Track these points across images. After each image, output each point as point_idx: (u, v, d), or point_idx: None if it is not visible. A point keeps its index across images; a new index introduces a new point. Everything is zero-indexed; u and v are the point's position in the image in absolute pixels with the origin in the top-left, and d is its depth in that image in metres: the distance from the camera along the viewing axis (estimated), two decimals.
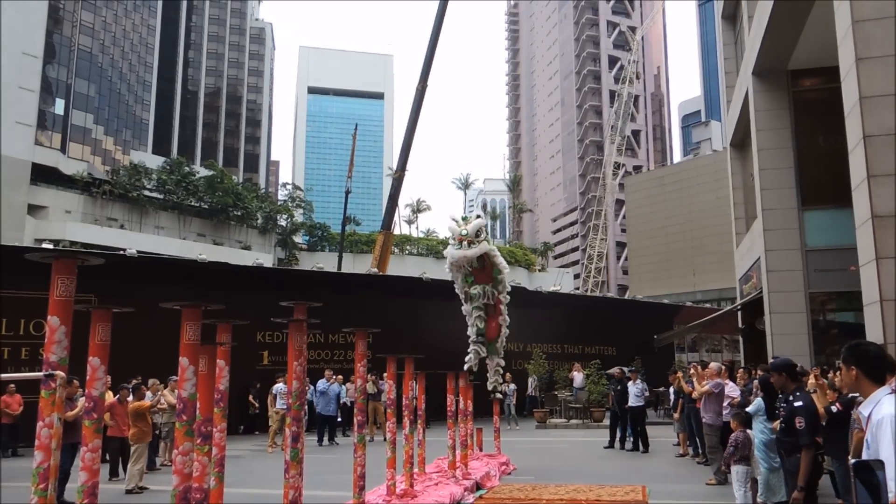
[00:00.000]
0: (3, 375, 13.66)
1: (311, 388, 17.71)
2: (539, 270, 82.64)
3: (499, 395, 13.47)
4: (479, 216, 11.81)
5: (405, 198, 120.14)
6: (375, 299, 20.83)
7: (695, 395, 12.08)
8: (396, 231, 62.03)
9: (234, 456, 12.99)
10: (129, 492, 10.72)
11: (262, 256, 51.90)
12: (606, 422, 17.76)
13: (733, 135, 22.32)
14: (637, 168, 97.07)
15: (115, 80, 72.36)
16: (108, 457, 12.01)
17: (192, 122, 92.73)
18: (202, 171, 70.42)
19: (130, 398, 11.68)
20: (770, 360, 10.23)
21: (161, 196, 65.79)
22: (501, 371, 13.08)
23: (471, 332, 11.84)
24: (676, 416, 14.56)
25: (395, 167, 43.36)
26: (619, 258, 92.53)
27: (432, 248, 75.47)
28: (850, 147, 10.03)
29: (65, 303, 3.76)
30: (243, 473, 12.09)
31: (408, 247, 76.13)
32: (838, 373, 6.39)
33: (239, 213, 70.22)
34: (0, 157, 52.27)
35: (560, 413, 22.23)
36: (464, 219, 11.36)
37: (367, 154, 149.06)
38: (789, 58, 16.44)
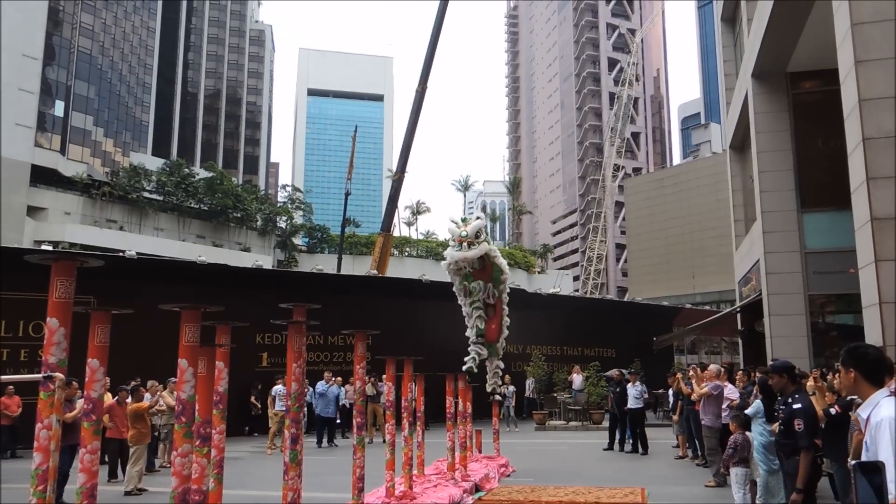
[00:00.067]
0: (2, 377, 13.67)
1: (311, 389, 17.70)
2: (538, 272, 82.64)
3: (498, 398, 13.46)
4: (478, 217, 11.80)
5: (405, 199, 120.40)
6: (375, 301, 20.82)
7: (694, 396, 12.08)
8: (396, 233, 62.04)
9: (233, 458, 12.98)
10: (128, 493, 10.71)
11: (262, 258, 51.96)
12: (606, 424, 17.75)
13: (733, 137, 22.33)
14: (637, 170, 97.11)
15: (114, 82, 72.41)
16: (107, 458, 12.02)
17: (191, 123, 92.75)
18: (202, 173, 70.44)
19: (129, 400, 11.68)
20: (769, 363, 10.23)
21: (161, 198, 65.79)
22: (501, 373, 13.08)
23: (470, 333, 11.82)
24: (675, 418, 14.56)
25: (394, 169, 43.38)
26: (618, 260, 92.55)
27: (432, 249, 75.47)
28: (850, 149, 10.04)
29: (64, 304, 3.77)
30: (242, 475, 12.08)
31: (407, 248, 76.13)
32: (837, 375, 6.39)
33: (238, 215, 70.22)
34: (0, 158, 52.29)
35: (559, 415, 22.22)
36: (463, 220, 11.36)
37: (366, 156, 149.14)
38: (789, 60, 16.45)
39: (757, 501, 7.68)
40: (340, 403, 18.31)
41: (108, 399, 11.23)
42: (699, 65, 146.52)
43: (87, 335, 4.14)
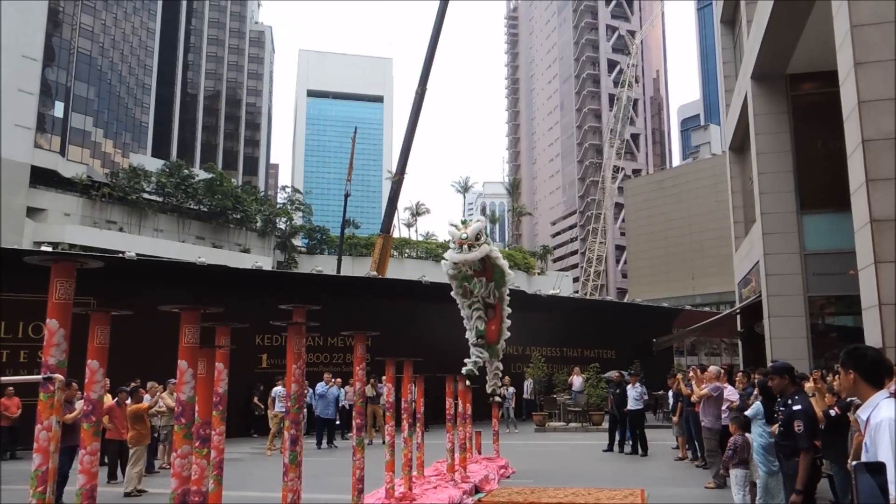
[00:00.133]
0: (1, 378, 13.65)
1: (310, 391, 17.71)
2: (538, 274, 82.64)
3: (498, 399, 13.46)
4: (478, 220, 11.80)
5: (404, 201, 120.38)
6: (374, 302, 20.82)
7: (694, 398, 12.08)
8: (396, 234, 62.04)
9: (232, 459, 12.98)
10: (127, 495, 10.71)
11: (262, 259, 51.99)
12: (605, 425, 17.75)
13: (732, 138, 22.34)
14: (636, 171, 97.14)
15: (114, 83, 72.41)
16: (106, 460, 12.02)
17: (191, 125, 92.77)
18: (201, 174, 70.44)
19: (129, 401, 11.67)
20: (769, 364, 10.23)
21: (160, 199, 65.78)
22: (500, 374, 13.07)
23: (470, 335, 11.81)
24: (675, 419, 14.55)
25: (394, 170, 43.38)
26: (618, 261, 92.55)
27: (431, 251, 75.48)
28: (849, 151, 10.05)
29: (64, 306, 3.77)
30: (242, 476, 12.07)
31: (407, 250, 76.13)
32: (837, 377, 6.40)
33: (238, 216, 70.22)
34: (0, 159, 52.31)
35: (559, 416, 22.22)
36: (463, 222, 11.36)
37: (366, 157, 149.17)
38: (788, 62, 16.46)
39: (756, 503, 7.68)
40: (340, 405, 18.31)
41: (108, 400, 11.22)
42: (699, 66, 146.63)
43: (87, 336, 4.14)
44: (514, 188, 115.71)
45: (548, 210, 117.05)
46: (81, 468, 4.08)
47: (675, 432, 14.89)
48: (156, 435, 13.15)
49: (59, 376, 3.66)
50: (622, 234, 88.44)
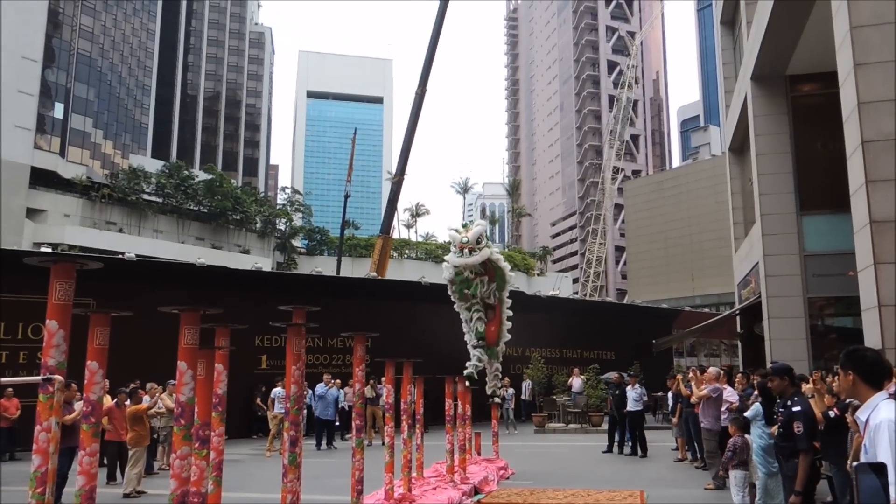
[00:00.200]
0: (1, 379, 13.65)
1: (310, 392, 17.70)
2: (538, 275, 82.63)
3: (497, 400, 13.45)
4: (479, 224, 11.78)
5: (404, 202, 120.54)
6: (374, 303, 20.83)
7: (693, 399, 12.08)
8: (395, 235, 62.04)
9: (232, 460, 12.97)
10: (126, 496, 10.70)
11: (261, 260, 51.99)
12: (605, 426, 17.75)
13: (732, 140, 22.34)
14: (636, 173, 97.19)
15: (114, 84, 72.41)
16: (105, 461, 12.01)
17: (191, 126, 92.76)
18: (201, 175, 70.43)
19: (128, 402, 11.67)
20: (769, 365, 10.23)
21: (160, 200, 65.77)
22: (500, 375, 13.06)
23: (468, 338, 11.78)
24: (675, 420, 14.55)
25: (394, 171, 43.40)
26: (618, 262, 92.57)
27: (431, 252, 75.51)
28: (849, 152, 10.05)
29: (63, 307, 3.77)
30: (241, 478, 12.06)
31: (407, 251, 76.13)
32: (836, 378, 6.40)
33: (238, 217, 70.22)
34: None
35: (558, 417, 22.22)
36: (464, 226, 11.35)
37: (366, 158, 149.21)
38: (788, 63, 16.47)
39: None
40: (340, 406, 18.30)
41: (107, 401, 11.22)
42: (698, 67, 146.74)
43: (87, 337, 4.14)
44: (513, 189, 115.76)
45: (547, 211, 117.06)
46: (81, 469, 4.08)
47: (675, 433, 14.89)
48: (155, 436, 13.15)
49: (58, 377, 3.66)
50: (622, 235, 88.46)
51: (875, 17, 9.67)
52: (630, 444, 15.45)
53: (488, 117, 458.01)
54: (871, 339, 9.22)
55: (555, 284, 65.88)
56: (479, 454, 13.38)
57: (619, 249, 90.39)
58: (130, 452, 11.18)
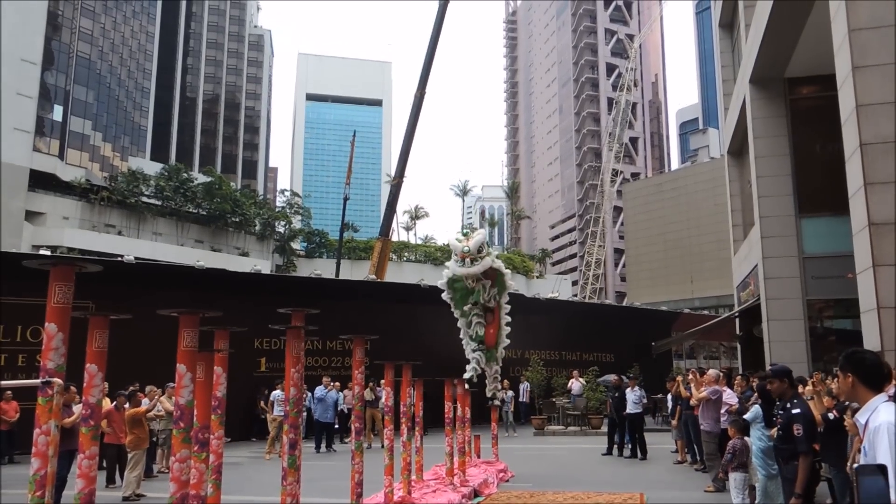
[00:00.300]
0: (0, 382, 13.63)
1: (309, 394, 17.69)
2: (537, 277, 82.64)
3: (497, 402, 13.45)
4: (480, 232, 11.77)
5: (403, 204, 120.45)
6: (373, 306, 20.82)
7: (693, 401, 12.08)
8: (394, 237, 62.04)
9: (231, 463, 12.95)
10: (125, 499, 10.69)
11: (260, 263, 51.90)
12: (604, 429, 17.75)
13: (731, 142, 22.36)
14: (635, 175, 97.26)
15: (113, 87, 72.42)
16: (104, 464, 11.99)
17: (190, 128, 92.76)
18: (200, 178, 70.43)
19: (127, 405, 11.66)
20: (768, 367, 10.23)
21: (159, 202, 65.74)
22: (499, 378, 13.05)
23: (466, 342, 11.76)
24: (674, 423, 14.55)
25: (393, 174, 43.43)
26: (617, 265, 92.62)
27: (430, 254, 75.53)
28: (847, 155, 10.06)
29: (62, 310, 3.77)
30: (241, 481, 12.06)
31: (406, 253, 76.13)
32: (836, 380, 6.40)
33: (237, 220, 70.20)
34: None
35: (558, 420, 22.20)
36: (465, 234, 11.33)
37: (365, 161, 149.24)
38: (786, 65, 16.50)
39: None
40: (339, 408, 18.29)
41: (107, 404, 11.21)
42: (697, 70, 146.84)
43: (86, 340, 4.13)
44: (512, 192, 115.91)
45: (547, 213, 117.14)
46: (80, 472, 4.07)
47: (675, 436, 14.89)
48: (154, 439, 13.13)
49: (57, 380, 3.66)
50: (621, 237, 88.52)
51: (874, 19, 9.68)
52: (630, 446, 15.45)
53: (487, 120, 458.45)
54: (871, 341, 9.22)
55: (554, 287, 65.90)
56: (478, 457, 13.38)
57: (619, 252, 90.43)
58: (129, 455, 11.17)
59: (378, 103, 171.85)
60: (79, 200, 60.59)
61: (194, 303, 5.47)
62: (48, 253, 26.41)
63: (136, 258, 20.11)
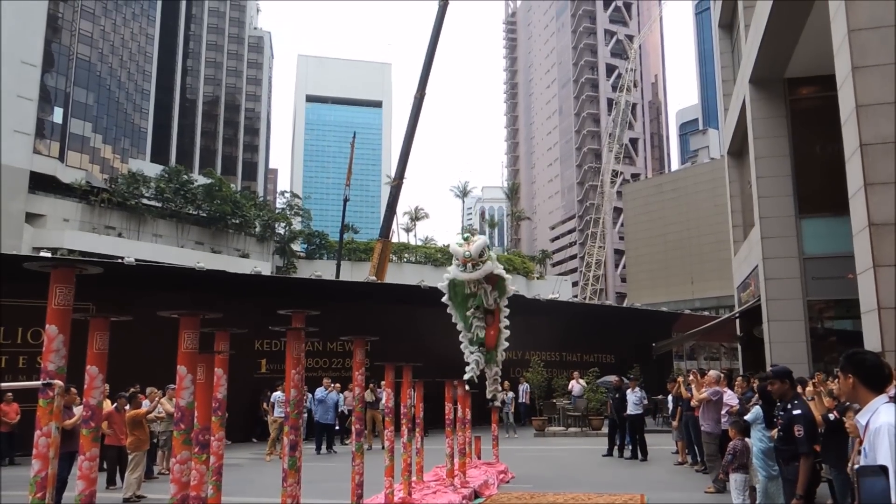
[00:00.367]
0: (0, 384, 13.63)
1: (310, 396, 17.69)
2: (537, 278, 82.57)
3: (497, 404, 13.45)
4: (481, 237, 11.78)
5: (403, 205, 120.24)
6: (373, 307, 20.80)
7: (693, 402, 12.08)
8: (394, 239, 62.05)
9: (231, 464, 12.95)
10: (126, 500, 10.68)
11: (261, 264, 51.85)
12: (605, 430, 17.74)
13: (731, 143, 22.37)
14: (635, 176, 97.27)
15: (113, 89, 72.46)
16: (105, 465, 11.99)
17: (190, 130, 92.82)
18: (200, 180, 70.44)
19: (128, 407, 11.66)
20: (769, 368, 10.23)
21: (159, 204, 65.75)
22: (499, 379, 13.05)
23: (465, 345, 11.76)
24: (675, 424, 14.53)
25: (393, 175, 43.42)
26: (617, 266, 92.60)
27: (430, 255, 75.49)
28: (847, 155, 10.06)
29: (63, 311, 3.77)
30: (241, 482, 12.04)
31: (406, 254, 76.10)
32: (836, 381, 6.40)
33: (237, 222, 70.19)
34: None
35: (558, 421, 22.19)
36: (465, 238, 11.34)
37: (365, 162, 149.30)
38: (786, 66, 16.50)
39: None
40: (339, 410, 18.28)
41: (107, 406, 11.20)
42: (697, 71, 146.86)
43: (86, 342, 4.13)
44: (513, 193, 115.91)
45: (547, 214, 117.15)
46: (80, 474, 4.07)
47: (675, 437, 14.88)
48: (155, 440, 13.12)
49: (58, 382, 3.66)
50: (621, 238, 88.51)
51: (873, 20, 9.69)
52: (630, 447, 15.43)
53: (487, 121, 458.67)
54: (871, 341, 9.22)
55: (554, 288, 65.87)
56: (479, 458, 13.37)
57: (619, 252, 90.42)
58: (130, 457, 11.16)
59: (378, 105, 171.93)
60: (79, 202, 60.60)
61: (195, 304, 5.48)
62: (49, 255, 26.40)
63: (136, 260, 20.10)
